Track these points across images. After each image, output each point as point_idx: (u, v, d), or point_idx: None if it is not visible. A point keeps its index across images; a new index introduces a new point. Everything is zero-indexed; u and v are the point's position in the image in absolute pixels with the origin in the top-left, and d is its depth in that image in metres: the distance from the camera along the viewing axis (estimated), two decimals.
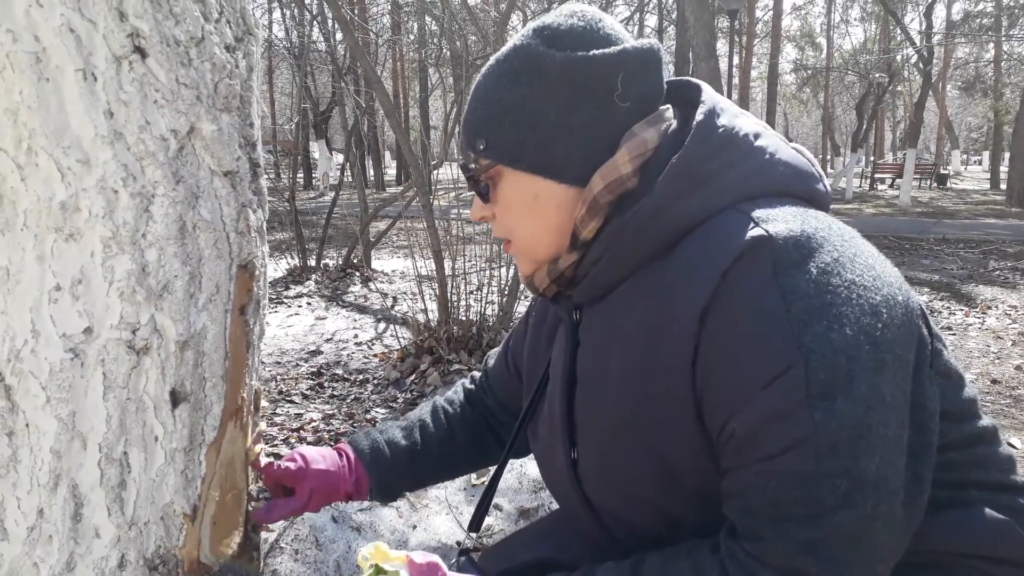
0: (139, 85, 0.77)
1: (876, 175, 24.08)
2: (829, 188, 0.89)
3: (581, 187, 0.86)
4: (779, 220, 0.77)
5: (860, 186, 24.62)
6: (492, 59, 0.88)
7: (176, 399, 0.83)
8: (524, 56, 0.84)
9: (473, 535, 1.11)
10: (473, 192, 0.94)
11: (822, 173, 0.88)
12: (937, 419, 0.79)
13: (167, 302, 0.81)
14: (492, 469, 1.15)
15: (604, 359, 0.87)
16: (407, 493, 1.22)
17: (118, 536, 0.81)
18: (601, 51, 0.83)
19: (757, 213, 0.78)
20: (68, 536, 0.79)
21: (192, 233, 0.82)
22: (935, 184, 24.43)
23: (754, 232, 0.75)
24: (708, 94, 0.87)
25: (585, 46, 0.83)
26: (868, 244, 0.81)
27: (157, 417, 0.82)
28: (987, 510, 0.85)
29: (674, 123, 0.86)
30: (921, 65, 17.75)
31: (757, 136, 0.85)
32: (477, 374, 1.31)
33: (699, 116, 0.84)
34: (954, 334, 4.88)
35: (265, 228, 0.94)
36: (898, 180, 20.12)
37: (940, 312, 5.53)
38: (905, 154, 17.49)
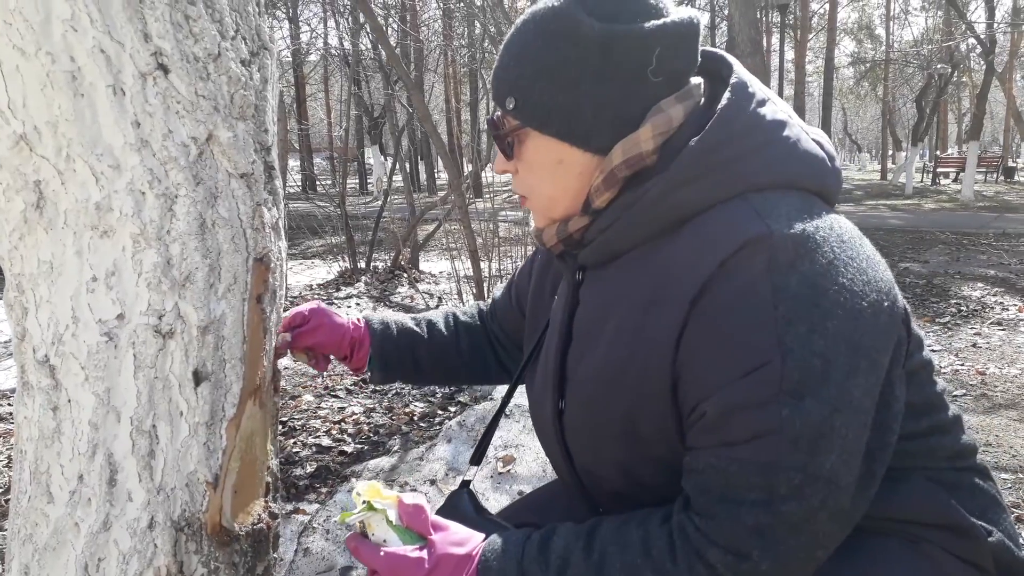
0: (162, 98, 0.86)
1: (939, 169, 23.35)
2: (842, 180, 0.90)
3: (603, 156, 0.87)
4: (783, 217, 0.78)
5: (922, 181, 23.90)
6: (528, 14, 0.87)
7: (199, 378, 0.92)
8: (563, 20, 0.83)
9: (475, 468, 1.18)
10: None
11: (838, 167, 0.89)
12: (900, 418, 0.81)
13: (189, 291, 0.90)
14: (515, 458, 1.22)
15: (600, 322, 0.90)
16: (407, 383, 1.29)
17: (148, 500, 0.90)
18: (640, 25, 0.82)
19: (763, 207, 0.79)
20: (104, 499, 0.89)
21: (211, 229, 0.91)
22: (1002, 178, 23.58)
23: (757, 227, 0.77)
24: (739, 74, 0.87)
25: (625, 17, 0.82)
26: (866, 244, 0.83)
27: (182, 394, 0.91)
28: (916, 478, 0.88)
29: (702, 100, 0.86)
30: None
31: (782, 125, 0.85)
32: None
33: (724, 100, 0.84)
34: (1004, 329, 4.76)
35: (280, 225, 1.03)
36: (962, 174, 19.50)
37: (992, 308, 5.38)
38: (968, 147, 16.94)
